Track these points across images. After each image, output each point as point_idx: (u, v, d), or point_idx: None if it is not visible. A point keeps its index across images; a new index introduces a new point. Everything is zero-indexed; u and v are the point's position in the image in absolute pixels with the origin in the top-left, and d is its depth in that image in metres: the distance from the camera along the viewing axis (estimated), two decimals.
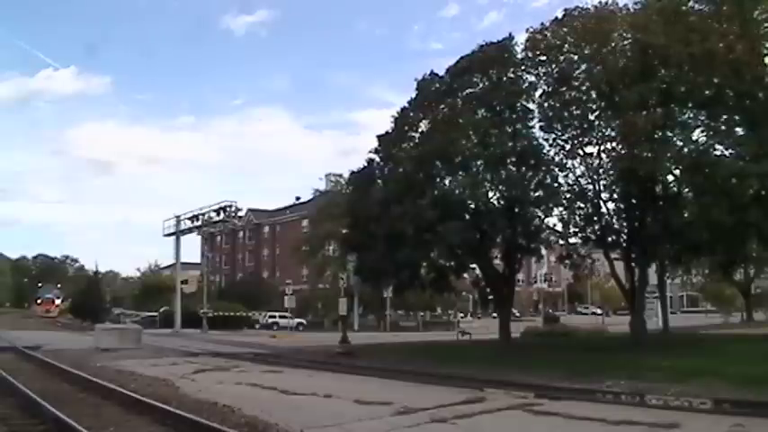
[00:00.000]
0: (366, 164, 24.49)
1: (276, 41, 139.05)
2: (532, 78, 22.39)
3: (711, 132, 19.62)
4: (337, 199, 43.25)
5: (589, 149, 21.76)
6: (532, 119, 22.17)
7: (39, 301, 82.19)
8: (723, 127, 19.58)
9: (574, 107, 21.13)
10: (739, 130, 19.60)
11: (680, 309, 67.15)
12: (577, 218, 22.48)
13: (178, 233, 46.37)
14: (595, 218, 22.16)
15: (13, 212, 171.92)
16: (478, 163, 21.51)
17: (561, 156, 22.17)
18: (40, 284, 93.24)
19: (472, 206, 21.49)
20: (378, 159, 24.17)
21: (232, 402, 10.50)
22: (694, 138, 19.71)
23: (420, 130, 23.33)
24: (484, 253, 23.47)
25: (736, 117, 19.42)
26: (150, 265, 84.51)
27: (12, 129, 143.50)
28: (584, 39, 21.06)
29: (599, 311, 56.88)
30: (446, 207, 20.28)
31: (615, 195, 21.71)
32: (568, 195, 22.17)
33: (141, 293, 70.29)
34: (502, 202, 21.38)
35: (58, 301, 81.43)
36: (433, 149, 21.14)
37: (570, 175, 22.34)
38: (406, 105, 23.85)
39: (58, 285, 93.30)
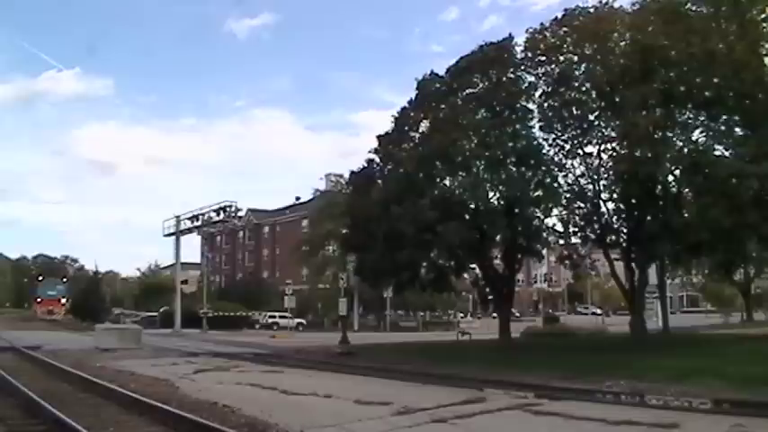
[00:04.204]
0: (366, 164, 24.51)
1: (278, 44, 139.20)
2: (532, 79, 22.44)
3: (711, 133, 19.65)
4: (337, 199, 43.26)
5: (589, 149, 21.84)
6: (532, 119, 22.20)
7: (39, 300, 65.67)
8: (723, 127, 19.62)
9: (574, 107, 21.15)
10: (739, 131, 19.63)
11: (680, 309, 67.11)
12: (577, 218, 22.54)
13: (178, 233, 46.35)
14: (595, 218, 22.19)
15: (13, 212, 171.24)
16: (478, 163, 21.53)
17: (561, 156, 22.23)
18: (40, 278, 74.13)
19: (472, 206, 21.51)
20: (378, 159, 24.19)
21: (232, 402, 10.50)
22: (694, 138, 19.75)
23: (420, 130, 23.35)
24: (484, 253, 23.48)
25: (736, 118, 19.44)
26: (150, 265, 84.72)
27: (13, 129, 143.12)
28: (584, 39, 21.10)
29: (599, 311, 56.86)
30: (446, 207, 20.29)
31: (615, 195, 21.74)
32: (568, 195, 22.23)
33: (141, 293, 70.37)
34: (502, 203, 21.38)
35: (63, 300, 66.27)
36: (433, 150, 21.14)
37: (570, 175, 22.45)
38: (406, 105, 23.88)
39: (64, 279, 75.43)
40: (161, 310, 51.10)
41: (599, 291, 65.47)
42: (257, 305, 55.01)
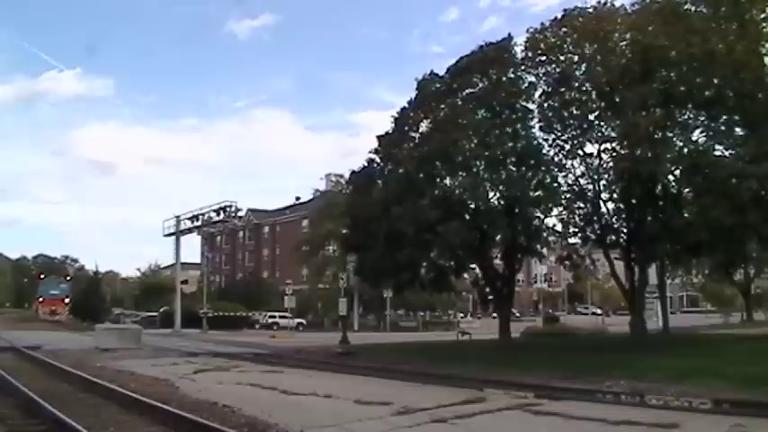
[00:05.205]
0: (366, 164, 24.51)
1: (279, 45, 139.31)
2: (532, 79, 22.44)
3: (711, 133, 19.65)
4: (337, 199, 43.30)
5: (589, 149, 21.83)
6: (532, 119, 22.21)
7: (41, 299, 62.80)
8: (723, 127, 19.61)
9: (574, 107, 21.15)
10: (739, 131, 19.63)
11: (680, 309, 67.12)
12: (577, 218, 22.53)
13: (178, 233, 46.36)
14: (595, 218, 22.19)
15: (13, 212, 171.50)
16: (479, 163, 21.53)
17: (561, 156, 22.21)
18: (42, 276, 71.96)
19: (472, 206, 21.51)
20: (378, 159, 24.20)
21: (232, 402, 10.50)
22: (694, 138, 19.75)
23: (420, 130, 23.35)
24: (484, 253, 23.48)
25: (736, 118, 19.44)
26: (150, 265, 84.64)
27: (13, 129, 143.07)
28: (584, 39, 21.10)
29: (599, 311, 56.88)
30: (446, 207, 20.31)
31: (615, 195, 21.72)
32: (568, 195, 22.22)
33: (141, 293, 70.35)
34: (502, 202, 21.39)
35: (66, 300, 63.08)
36: (433, 150, 21.14)
37: (570, 175, 22.42)
38: (406, 105, 23.88)
39: (67, 278, 73.25)
40: (161, 310, 51.10)
41: (599, 291, 65.51)
42: (257, 305, 55.03)
